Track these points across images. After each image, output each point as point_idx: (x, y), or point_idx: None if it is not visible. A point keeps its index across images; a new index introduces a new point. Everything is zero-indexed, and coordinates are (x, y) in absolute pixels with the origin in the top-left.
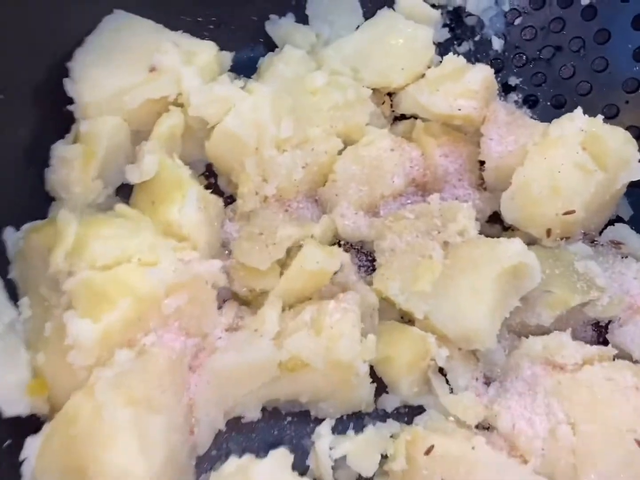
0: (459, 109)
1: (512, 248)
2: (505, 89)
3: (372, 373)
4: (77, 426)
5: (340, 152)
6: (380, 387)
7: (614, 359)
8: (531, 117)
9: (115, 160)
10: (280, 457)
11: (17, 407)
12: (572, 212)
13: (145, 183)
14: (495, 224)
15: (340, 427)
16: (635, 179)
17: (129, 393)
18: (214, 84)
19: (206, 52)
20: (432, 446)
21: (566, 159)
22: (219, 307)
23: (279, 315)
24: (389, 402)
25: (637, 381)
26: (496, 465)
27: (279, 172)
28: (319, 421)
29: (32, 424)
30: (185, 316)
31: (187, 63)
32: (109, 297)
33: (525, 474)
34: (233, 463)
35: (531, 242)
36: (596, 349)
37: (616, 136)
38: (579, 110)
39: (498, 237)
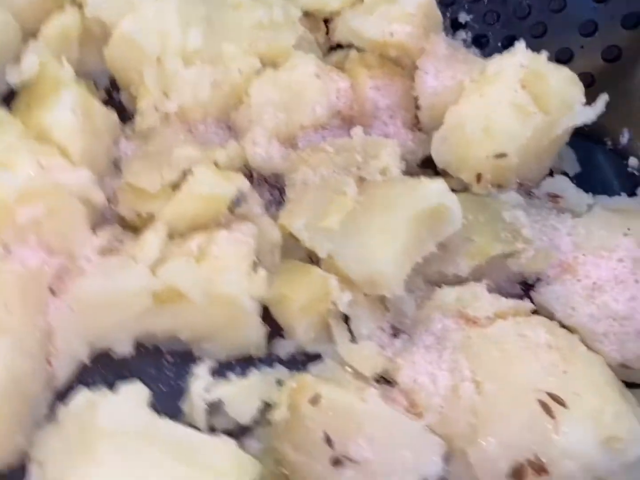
0: (392, 34)
1: (432, 188)
2: (454, 26)
3: (268, 315)
4: None
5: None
6: (276, 330)
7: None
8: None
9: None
10: (134, 392)
11: None
12: (504, 155)
13: (28, 87)
14: (429, 169)
15: (225, 371)
16: (577, 124)
17: None
18: None
19: None
20: (319, 395)
21: (503, 97)
22: (99, 229)
23: (162, 242)
24: (283, 347)
25: (551, 339)
26: (386, 419)
27: (183, 87)
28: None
29: None
30: (46, 231)
31: None
32: None
33: (417, 431)
34: (82, 397)
35: (463, 190)
36: (513, 302)
37: (560, 76)
38: (521, 44)
39: None
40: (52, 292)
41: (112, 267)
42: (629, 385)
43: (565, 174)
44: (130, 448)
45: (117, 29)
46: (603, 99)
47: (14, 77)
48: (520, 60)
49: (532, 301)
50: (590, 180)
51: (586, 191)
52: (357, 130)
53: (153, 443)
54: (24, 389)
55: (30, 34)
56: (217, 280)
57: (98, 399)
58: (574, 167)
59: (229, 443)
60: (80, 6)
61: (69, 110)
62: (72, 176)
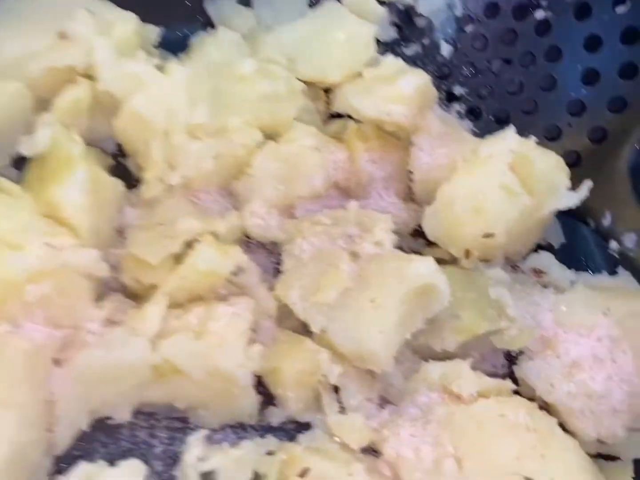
0: (388, 114)
1: (422, 267)
2: (450, 98)
3: (261, 384)
4: None
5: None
6: (269, 399)
7: (516, 394)
8: (473, 130)
9: (11, 129)
10: (132, 469)
11: None
12: (492, 235)
13: (39, 158)
14: (421, 238)
15: (219, 437)
16: (561, 207)
17: None
18: (128, 59)
19: (125, 23)
20: (307, 469)
21: (492, 179)
22: (102, 299)
23: (163, 315)
24: (275, 416)
25: (529, 421)
26: None
27: (187, 160)
28: (198, 428)
29: None
30: (53, 306)
31: (102, 33)
32: None
33: None
34: (81, 470)
35: (452, 260)
36: (495, 382)
37: (547, 160)
38: (511, 129)
39: (420, 252)
40: (56, 362)
41: (113, 340)
42: (605, 457)
43: (551, 245)
44: None
45: (127, 104)
46: (587, 185)
47: (26, 149)
48: (510, 144)
49: (513, 375)
50: (573, 254)
51: (569, 263)
52: (352, 204)
53: None
54: (26, 458)
55: (42, 104)
56: (214, 356)
57: (97, 472)
58: (558, 239)
59: None
60: (91, 78)
61: (80, 190)
62: (80, 255)
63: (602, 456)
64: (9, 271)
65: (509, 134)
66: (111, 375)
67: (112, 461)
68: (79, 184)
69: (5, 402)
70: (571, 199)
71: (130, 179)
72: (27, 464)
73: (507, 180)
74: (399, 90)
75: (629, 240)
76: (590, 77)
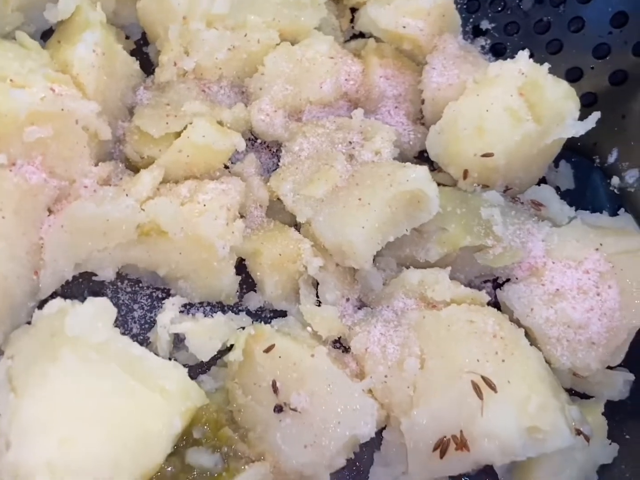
0: (404, 27)
1: (414, 173)
2: (475, 32)
3: (246, 270)
4: None
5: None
6: (251, 285)
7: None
8: None
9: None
10: (101, 308)
11: None
12: (491, 154)
13: (62, 24)
14: (425, 163)
15: (196, 311)
16: (567, 135)
17: None
18: None
19: None
20: (273, 345)
21: (498, 100)
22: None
23: (155, 182)
24: (253, 301)
25: (498, 329)
26: (328, 377)
27: (202, 47)
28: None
29: None
30: (51, 153)
31: None
32: None
33: (355, 392)
34: (55, 304)
35: (452, 185)
36: (469, 291)
37: (557, 88)
38: (524, 53)
39: None
40: (50, 211)
41: (105, 196)
42: (579, 395)
43: (558, 188)
44: (90, 357)
45: None
46: (595, 116)
47: (51, 16)
48: (521, 67)
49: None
50: (584, 198)
51: (578, 207)
52: (357, 112)
53: (111, 356)
54: (7, 289)
55: None
56: (196, 222)
57: (68, 307)
58: (568, 183)
59: (180, 369)
60: None
61: (89, 49)
62: (81, 105)
63: (578, 394)
64: (10, 105)
65: (522, 56)
66: (98, 229)
67: None
68: (90, 44)
69: None
70: (577, 129)
71: (150, 67)
72: (9, 295)
73: (513, 103)
74: (417, 4)
75: (631, 176)
76: (619, 21)
